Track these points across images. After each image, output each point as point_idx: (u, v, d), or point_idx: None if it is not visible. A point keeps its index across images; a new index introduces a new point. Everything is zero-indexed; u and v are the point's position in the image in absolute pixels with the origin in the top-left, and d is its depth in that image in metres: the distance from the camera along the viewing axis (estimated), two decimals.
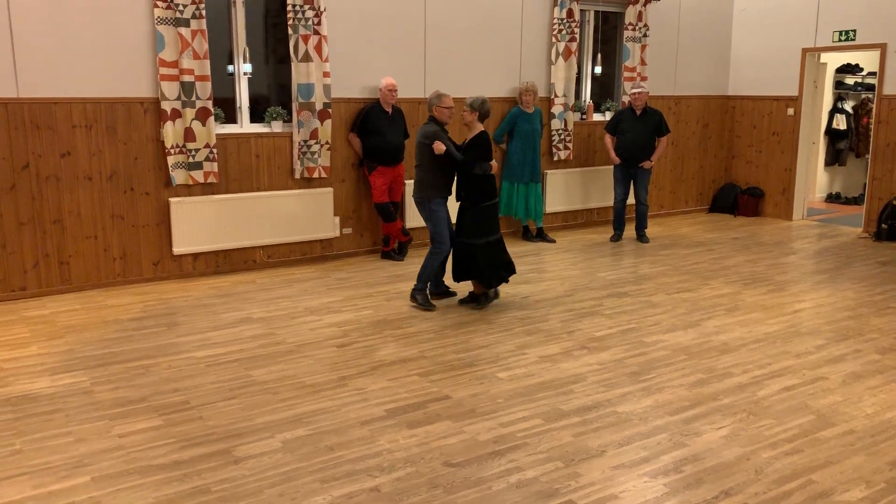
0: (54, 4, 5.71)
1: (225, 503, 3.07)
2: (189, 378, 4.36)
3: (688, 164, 9.89)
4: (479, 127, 5.57)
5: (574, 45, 8.38)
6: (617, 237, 8.28)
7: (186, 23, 6.16)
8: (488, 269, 5.60)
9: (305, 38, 6.74)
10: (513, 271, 5.79)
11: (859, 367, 4.60)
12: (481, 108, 5.57)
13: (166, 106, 6.20)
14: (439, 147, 5.39)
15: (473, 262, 5.56)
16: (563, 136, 8.55)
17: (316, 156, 6.97)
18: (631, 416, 3.89)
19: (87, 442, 3.58)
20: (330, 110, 6.94)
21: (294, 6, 6.68)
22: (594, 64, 8.90)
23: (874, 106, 8.65)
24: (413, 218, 7.58)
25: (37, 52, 5.70)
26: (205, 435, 3.66)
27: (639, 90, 7.95)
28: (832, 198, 11.22)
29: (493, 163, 5.57)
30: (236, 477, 3.27)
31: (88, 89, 5.94)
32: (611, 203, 8.72)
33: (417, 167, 5.63)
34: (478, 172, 5.46)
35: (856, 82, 11.01)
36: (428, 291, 5.80)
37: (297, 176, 6.97)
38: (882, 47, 8.44)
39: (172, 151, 6.29)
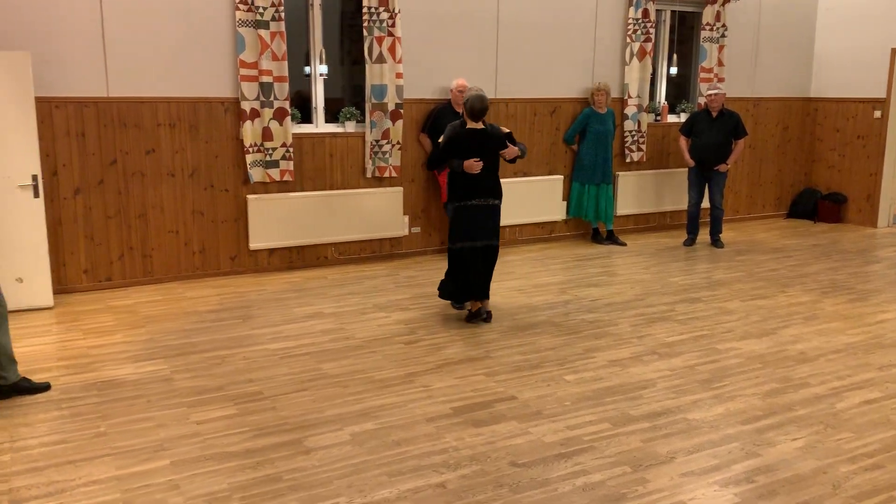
0: (143, 8, 5.97)
1: (295, 492, 3.16)
2: (263, 369, 4.50)
3: (766, 168, 9.60)
4: (469, 124, 5.22)
5: (649, 46, 8.25)
6: (690, 241, 8.11)
7: (266, 25, 6.34)
8: (446, 277, 5.41)
9: (380, 40, 6.84)
10: (469, 297, 5.38)
11: None
12: (465, 104, 5.21)
13: (246, 106, 6.40)
14: (513, 151, 5.39)
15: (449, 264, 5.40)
16: (636, 138, 8.42)
17: (387, 155, 7.06)
18: (701, 424, 3.82)
19: (166, 427, 3.73)
20: (402, 111, 7.03)
21: (369, 8, 6.79)
22: (670, 64, 8.73)
23: None
24: None
25: (126, 54, 5.97)
26: (277, 425, 3.77)
27: (716, 91, 7.77)
28: None
29: (473, 162, 5.14)
30: (306, 467, 3.36)
31: (173, 89, 6.19)
32: (684, 207, 8.54)
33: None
34: (452, 168, 5.27)
35: None
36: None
37: (369, 175, 7.08)
38: None
39: (251, 150, 6.48)
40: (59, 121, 5.82)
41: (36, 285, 5.57)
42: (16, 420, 3.80)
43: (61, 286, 5.99)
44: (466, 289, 5.33)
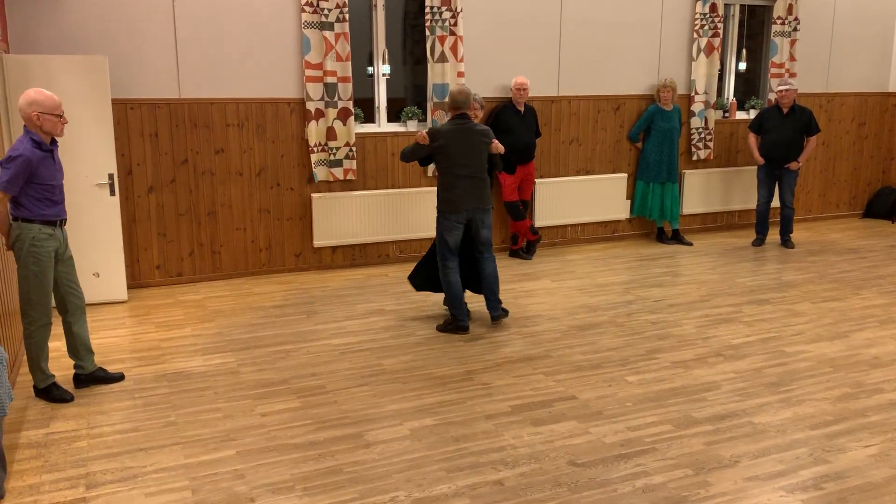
0: (213, 12, 6.16)
1: (355, 484, 3.21)
2: (325, 364, 4.58)
3: (840, 166, 9.26)
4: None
5: (717, 41, 8.06)
6: (759, 241, 7.88)
7: (331, 26, 6.45)
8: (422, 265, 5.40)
9: (442, 39, 6.88)
10: (436, 287, 5.38)
11: None
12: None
13: (311, 106, 6.53)
14: (498, 146, 5.18)
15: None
16: (702, 135, 8.23)
17: None
18: (768, 428, 3.72)
19: (233, 418, 3.85)
20: None
21: (432, 7, 6.83)
22: (738, 60, 8.50)
23: None
24: (542, 216, 7.56)
25: (196, 56, 6.17)
26: (338, 418, 3.84)
27: (787, 87, 7.53)
28: None
29: (421, 132, 4.97)
30: (366, 460, 3.41)
31: (241, 90, 6.36)
32: (753, 206, 8.31)
33: (482, 170, 5.17)
34: (413, 159, 5.12)
35: None
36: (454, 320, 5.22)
37: (430, 174, 7.13)
38: None
39: (315, 149, 6.61)
40: (134, 122, 6.06)
41: (111, 280, 5.82)
42: (92, 408, 3.97)
43: (135, 281, 6.23)
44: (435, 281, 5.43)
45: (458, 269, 5.14)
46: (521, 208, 7.17)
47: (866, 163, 9.40)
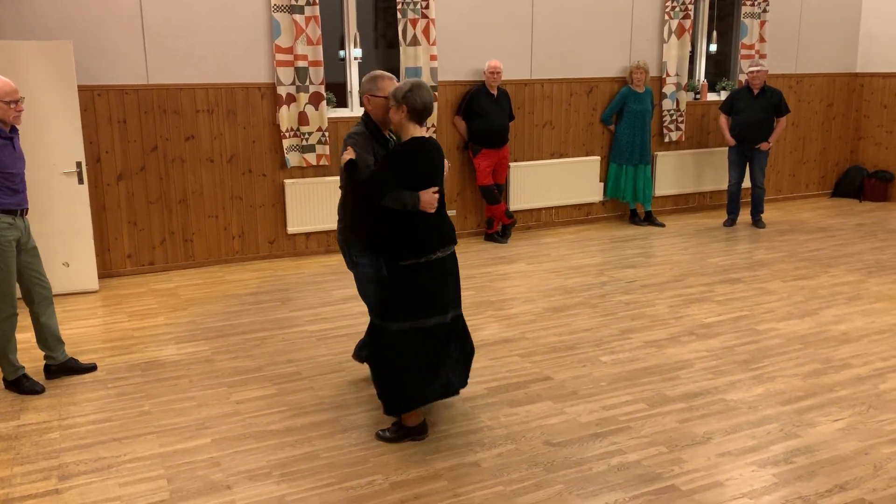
0: None
1: (333, 469, 3.21)
2: (301, 350, 4.57)
3: (809, 146, 9.37)
4: (413, 131, 3.37)
5: (688, 23, 8.09)
6: (731, 222, 7.97)
7: (301, 10, 6.37)
8: (391, 380, 3.39)
9: (414, 22, 6.83)
10: (450, 392, 3.53)
11: None
12: (409, 100, 3.32)
13: (282, 91, 6.46)
14: (346, 156, 3.42)
15: (382, 357, 3.44)
16: (674, 117, 8.29)
17: None
18: (740, 405, 3.78)
19: (208, 406, 3.82)
20: (436, 93, 7.02)
21: None
22: (709, 41, 8.55)
23: None
24: (517, 199, 7.57)
25: (164, 42, 6.06)
26: (315, 404, 3.83)
27: (757, 68, 7.59)
28: None
29: (431, 194, 3.35)
30: (344, 445, 3.41)
31: (210, 75, 6.27)
32: (725, 186, 8.39)
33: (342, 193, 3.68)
34: (390, 205, 3.33)
35: None
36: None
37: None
38: None
39: (287, 135, 6.55)
40: (102, 108, 5.95)
41: (82, 270, 5.73)
42: (64, 399, 3.92)
43: (106, 270, 6.15)
44: (443, 387, 3.48)
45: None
46: (496, 192, 7.18)
47: (835, 143, 9.53)
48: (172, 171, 6.26)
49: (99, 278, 5.95)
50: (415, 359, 3.36)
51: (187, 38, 6.13)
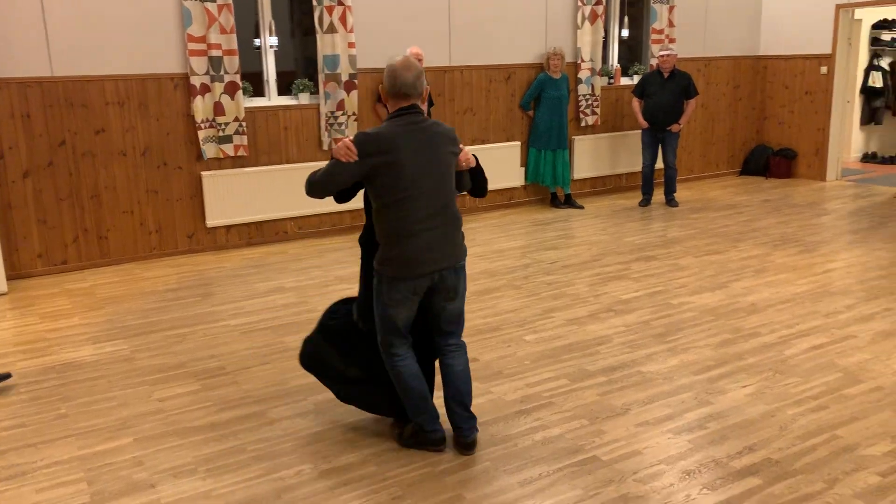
0: None
1: (260, 461, 3.20)
2: (224, 345, 4.50)
3: (718, 127, 9.76)
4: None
5: (600, 9, 8.28)
6: (646, 202, 8.24)
7: None
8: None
9: (330, 9, 6.76)
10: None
11: (889, 326, 4.57)
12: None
13: (195, 81, 6.30)
14: (469, 157, 3.13)
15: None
16: (590, 102, 8.49)
17: (343, 127, 7.03)
18: (655, 376, 3.94)
19: (129, 406, 3.73)
20: (356, 81, 6.98)
21: None
22: (621, 27, 8.78)
23: None
24: None
25: (68, 31, 5.82)
26: (240, 398, 3.79)
27: (667, 52, 7.85)
28: (868, 158, 10.99)
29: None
30: (271, 437, 3.40)
31: (120, 66, 6.06)
32: (639, 168, 8.67)
33: (452, 205, 3.06)
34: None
35: (893, 38, 10.70)
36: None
37: (326, 147, 7.04)
38: None
39: (203, 126, 6.40)
40: (2, 102, 5.68)
41: None
42: None
43: (15, 272, 5.89)
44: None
45: (412, 353, 3.19)
46: None
47: (741, 123, 9.95)
48: (83, 166, 6.04)
49: (7, 280, 5.70)
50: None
51: (93, 28, 5.90)
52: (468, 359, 3.26)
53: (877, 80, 10.69)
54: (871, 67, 10.73)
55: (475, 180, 3.20)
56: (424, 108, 3.06)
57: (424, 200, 2.94)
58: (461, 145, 3.06)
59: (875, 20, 10.67)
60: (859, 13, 9.95)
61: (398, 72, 2.93)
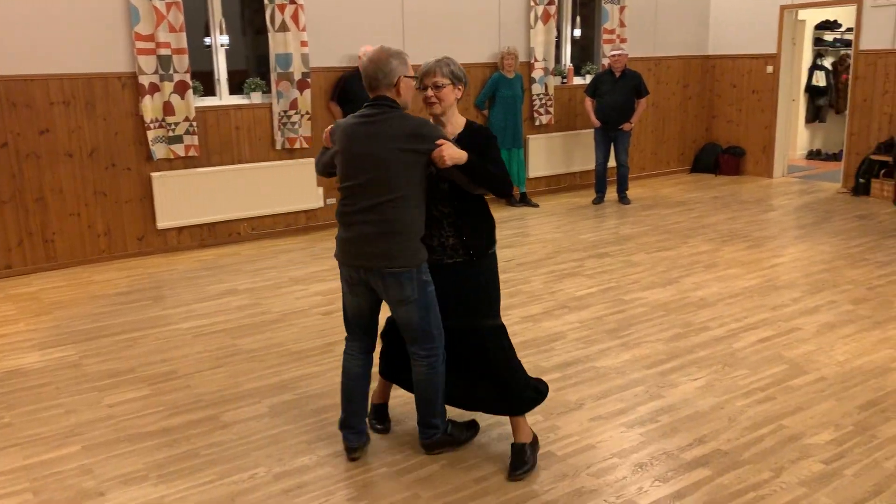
0: None
1: (214, 466, 3.16)
2: (176, 349, 4.43)
3: (669, 126, 9.93)
4: (458, 113, 3.10)
5: (553, 9, 8.36)
6: (599, 200, 8.35)
7: None
8: (523, 374, 3.13)
9: (282, 8, 6.70)
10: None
11: (833, 318, 4.71)
12: (466, 79, 3.06)
13: (144, 80, 6.18)
14: (456, 156, 2.83)
15: (508, 357, 3.09)
16: (544, 101, 8.56)
17: (296, 126, 6.97)
18: (609, 371, 3.99)
19: (77, 413, 3.65)
20: (309, 80, 6.93)
21: None
22: (573, 27, 8.88)
23: (852, 62, 8.69)
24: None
25: (10, 29, 5.65)
26: (193, 402, 3.74)
27: (618, 52, 7.96)
28: (813, 154, 11.30)
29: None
30: (224, 441, 3.36)
31: (65, 65, 5.91)
32: (593, 166, 8.77)
33: (391, 202, 2.87)
34: (483, 194, 3.07)
35: (835, 38, 11.03)
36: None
37: (279, 147, 6.97)
38: (858, 2, 8.46)
39: (152, 126, 6.28)
40: None
41: None
42: None
43: None
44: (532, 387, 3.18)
45: (360, 355, 3.18)
46: None
47: (692, 122, 10.15)
48: (27, 167, 5.87)
49: None
50: (504, 349, 3.09)
51: (37, 27, 5.74)
52: (434, 372, 3.04)
53: (820, 80, 11.01)
54: (815, 67, 11.04)
55: (474, 178, 2.90)
56: (404, 99, 2.96)
57: (359, 194, 2.90)
58: (440, 142, 2.83)
59: (818, 21, 10.97)
60: (803, 14, 10.23)
61: (363, 64, 2.98)
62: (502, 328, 3.11)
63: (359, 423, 3.20)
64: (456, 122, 3.04)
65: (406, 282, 2.92)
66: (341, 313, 3.23)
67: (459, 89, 3.00)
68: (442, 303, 3.04)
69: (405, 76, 2.93)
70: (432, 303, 3.00)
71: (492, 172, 2.93)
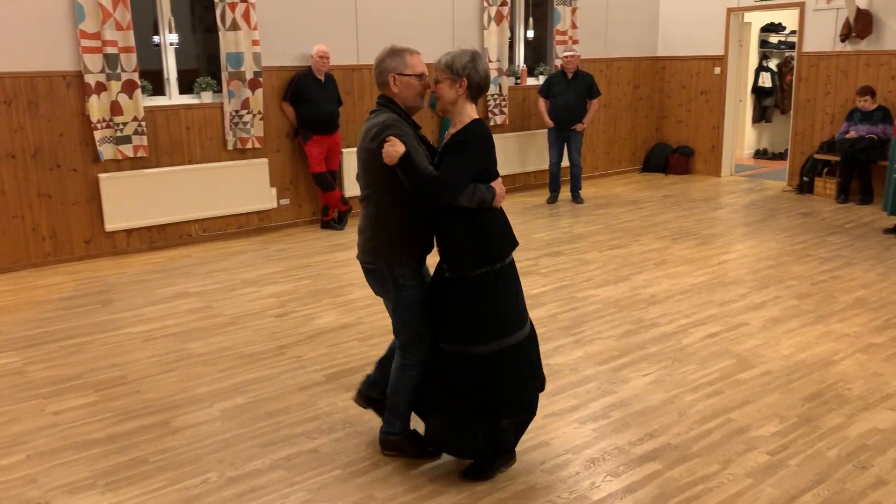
0: None
1: (164, 472, 3.10)
2: (125, 353, 4.34)
3: (620, 126, 10.08)
4: (470, 111, 2.88)
5: (506, 10, 8.41)
6: (553, 199, 8.43)
7: None
8: (495, 406, 2.90)
9: (232, 6, 6.61)
10: (532, 412, 3.03)
11: (778, 313, 4.84)
12: (470, 73, 2.81)
13: (90, 79, 6.04)
14: (391, 152, 2.71)
15: (469, 389, 2.89)
16: (498, 101, 8.61)
17: (248, 126, 6.88)
18: (562, 368, 4.04)
19: (20, 421, 3.55)
20: (261, 79, 6.85)
21: None
22: (526, 28, 8.95)
23: (795, 63, 8.94)
24: (352, 187, 7.56)
25: None
26: (142, 408, 3.66)
27: (570, 53, 8.05)
28: (760, 154, 11.59)
29: (501, 185, 2.91)
30: (175, 446, 3.30)
31: (5, 64, 5.74)
32: (547, 166, 8.85)
33: (364, 200, 2.94)
34: (466, 205, 2.79)
35: (779, 41, 11.33)
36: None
37: (230, 147, 6.88)
38: (801, 6, 8.71)
39: (99, 126, 6.14)
40: None
41: None
42: None
43: None
44: (530, 406, 3.02)
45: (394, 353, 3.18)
46: (330, 179, 7.14)
47: (642, 122, 10.31)
48: None
49: None
50: (494, 382, 2.88)
51: None
52: (401, 374, 3.04)
53: (766, 81, 11.30)
54: (761, 68, 11.32)
55: (406, 179, 2.73)
56: (403, 97, 2.89)
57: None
58: (388, 140, 2.71)
59: (763, 23, 11.26)
60: (748, 17, 10.48)
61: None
62: (490, 356, 2.87)
63: (367, 389, 3.28)
64: (460, 121, 2.86)
65: (379, 278, 2.98)
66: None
67: (461, 85, 2.81)
68: (440, 318, 2.94)
69: (399, 74, 2.85)
70: (408, 306, 2.95)
71: (416, 174, 2.71)
